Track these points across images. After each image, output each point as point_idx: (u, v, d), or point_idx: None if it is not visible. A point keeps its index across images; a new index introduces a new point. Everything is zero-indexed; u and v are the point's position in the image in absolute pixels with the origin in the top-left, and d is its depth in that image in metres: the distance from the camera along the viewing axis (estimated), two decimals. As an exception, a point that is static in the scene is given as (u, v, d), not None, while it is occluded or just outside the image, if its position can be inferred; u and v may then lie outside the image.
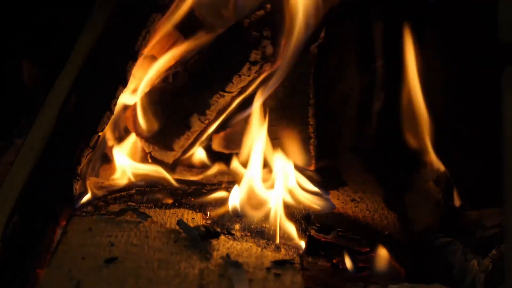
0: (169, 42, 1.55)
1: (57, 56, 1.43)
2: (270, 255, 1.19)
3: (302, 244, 1.29)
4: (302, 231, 1.33)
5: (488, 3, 1.04)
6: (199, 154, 1.61)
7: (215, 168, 1.59)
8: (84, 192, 1.40)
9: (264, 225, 1.33)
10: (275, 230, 1.31)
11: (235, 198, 1.37)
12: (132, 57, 1.40)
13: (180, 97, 1.52)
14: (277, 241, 1.28)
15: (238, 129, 1.59)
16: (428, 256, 1.31)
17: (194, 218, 1.33)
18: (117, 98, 1.39)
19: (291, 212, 1.38)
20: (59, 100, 1.37)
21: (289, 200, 1.41)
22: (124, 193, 1.43)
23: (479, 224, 1.40)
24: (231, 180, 1.50)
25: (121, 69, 1.39)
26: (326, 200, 1.43)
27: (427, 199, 1.45)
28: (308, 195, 1.44)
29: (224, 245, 1.21)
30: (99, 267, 1.12)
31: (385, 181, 1.56)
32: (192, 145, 1.56)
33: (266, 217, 1.34)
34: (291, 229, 1.32)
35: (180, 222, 1.24)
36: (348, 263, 1.25)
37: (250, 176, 1.42)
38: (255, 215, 1.34)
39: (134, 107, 1.58)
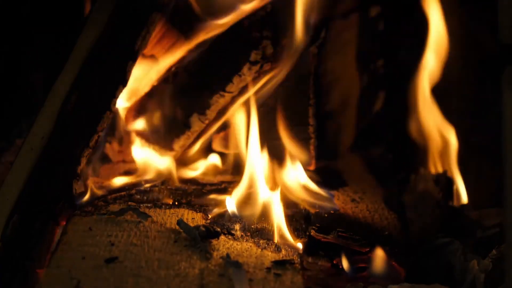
0: (169, 42, 1.55)
1: (57, 56, 1.43)
2: (270, 255, 1.19)
3: (299, 245, 1.28)
4: (302, 231, 1.33)
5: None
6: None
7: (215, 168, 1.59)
8: (84, 192, 1.40)
9: (264, 225, 1.32)
10: (273, 230, 1.30)
11: (232, 203, 1.37)
12: (132, 57, 1.40)
13: (180, 97, 1.52)
14: (275, 240, 1.27)
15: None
16: (428, 256, 1.31)
17: (194, 218, 1.33)
18: (117, 98, 1.39)
19: (291, 212, 1.38)
20: (59, 100, 1.37)
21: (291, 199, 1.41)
22: (124, 193, 1.43)
23: (479, 224, 1.40)
24: (232, 180, 1.50)
25: (121, 69, 1.39)
26: (328, 200, 1.43)
27: (427, 199, 1.45)
28: (310, 195, 1.44)
29: (224, 245, 1.21)
30: (99, 267, 1.13)
31: (385, 181, 1.56)
32: (192, 145, 1.56)
33: (266, 217, 1.34)
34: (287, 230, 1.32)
35: (180, 222, 1.24)
36: (347, 263, 1.25)
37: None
38: (254, 215, 1.34)
39: (134, 107, 1.58)
